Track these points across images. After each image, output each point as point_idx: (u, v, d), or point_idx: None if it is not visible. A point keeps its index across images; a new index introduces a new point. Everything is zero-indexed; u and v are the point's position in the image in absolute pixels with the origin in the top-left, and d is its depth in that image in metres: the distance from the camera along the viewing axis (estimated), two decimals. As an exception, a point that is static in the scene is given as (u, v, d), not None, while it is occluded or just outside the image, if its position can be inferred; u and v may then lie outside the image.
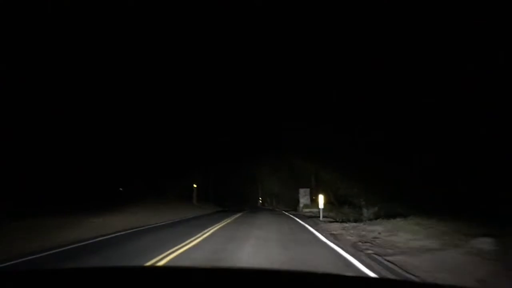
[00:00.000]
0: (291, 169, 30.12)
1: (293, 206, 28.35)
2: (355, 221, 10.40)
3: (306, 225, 9.91)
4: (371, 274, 3.73)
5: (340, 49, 13.44)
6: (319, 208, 16.55)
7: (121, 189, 29.55)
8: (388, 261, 4.22)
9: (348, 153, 16.58)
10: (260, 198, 51.17)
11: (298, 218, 13.72)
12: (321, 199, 12.82)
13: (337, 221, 10.95)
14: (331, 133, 17.13)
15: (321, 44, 14.01)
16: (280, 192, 39.42)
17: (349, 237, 6.68)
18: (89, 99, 16.43)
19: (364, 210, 12.80)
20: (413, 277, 3.55)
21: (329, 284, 1.35)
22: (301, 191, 24.52)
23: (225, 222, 10.90)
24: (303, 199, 23.98)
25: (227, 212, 21.46)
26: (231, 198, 51.10)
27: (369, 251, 4.93)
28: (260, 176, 44.10)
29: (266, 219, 13.26)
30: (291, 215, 16.70)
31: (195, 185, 28.59)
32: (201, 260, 4.36)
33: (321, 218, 12.48)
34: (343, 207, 17.16)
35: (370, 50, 12.41)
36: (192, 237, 6.66)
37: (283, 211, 23.12)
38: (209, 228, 8.46)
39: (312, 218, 13.38)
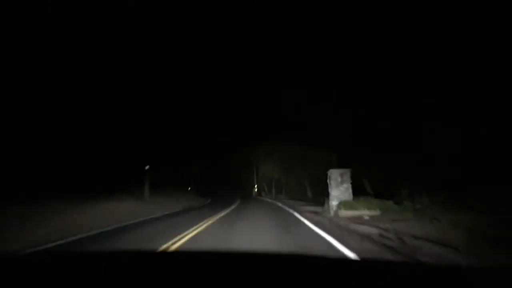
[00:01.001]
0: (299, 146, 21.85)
1: (301, 196, 22.03)
2: None
3: None
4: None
5: (342, 45, 13.51)
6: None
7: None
8: None
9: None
10: (255, 186, 42.49)
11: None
12: None
13: None
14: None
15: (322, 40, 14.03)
16: (282, 178, 30.49)
17: None
18: (78, 97, 16.62)
19: None
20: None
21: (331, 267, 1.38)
22: (334, 173, 12.56)
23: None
24: (338, 191, 12.21)
25: (195, 212, 14.35)
26: (223, 185, 46.23)
27: None
28: (257, 158, 35.64)
29: None
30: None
31: (147, 167, 20.58)
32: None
33: None
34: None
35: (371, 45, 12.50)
36: None
37: (295, 212, 13.18)
38: None
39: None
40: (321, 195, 20.42)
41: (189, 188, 39.40)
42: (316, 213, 12.59)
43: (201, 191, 39.00)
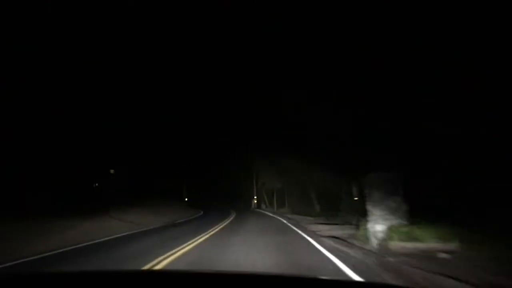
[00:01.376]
0: (301, 150, 19.01)
1: (306, 210, 20.14)
2: None
3: None
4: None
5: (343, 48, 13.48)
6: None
7: (96, 184, 27.20)
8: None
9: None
10: (255, 197, 39.21)
11: None
12: None
13: None
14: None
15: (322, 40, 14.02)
16: (284, 188, 27.88)
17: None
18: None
19: None
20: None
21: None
22: (376, 179, 7.97)
23: None
24: (385, 208, 7.53)
25: (170, 232, 11.45)
26: (220, 195, 46.16)
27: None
28: (257, 166, 33.55)
29: None
30: None
31: (112, 171, 17.06)
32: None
33: None
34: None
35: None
36: None
37: (310, 239, 8.69)
38: None
39: None
40: (329, 210, 17.80)
41: (186, 199, 38.57)
42: (343, 240, 8.15)
43: (196, 202, 38.33)
